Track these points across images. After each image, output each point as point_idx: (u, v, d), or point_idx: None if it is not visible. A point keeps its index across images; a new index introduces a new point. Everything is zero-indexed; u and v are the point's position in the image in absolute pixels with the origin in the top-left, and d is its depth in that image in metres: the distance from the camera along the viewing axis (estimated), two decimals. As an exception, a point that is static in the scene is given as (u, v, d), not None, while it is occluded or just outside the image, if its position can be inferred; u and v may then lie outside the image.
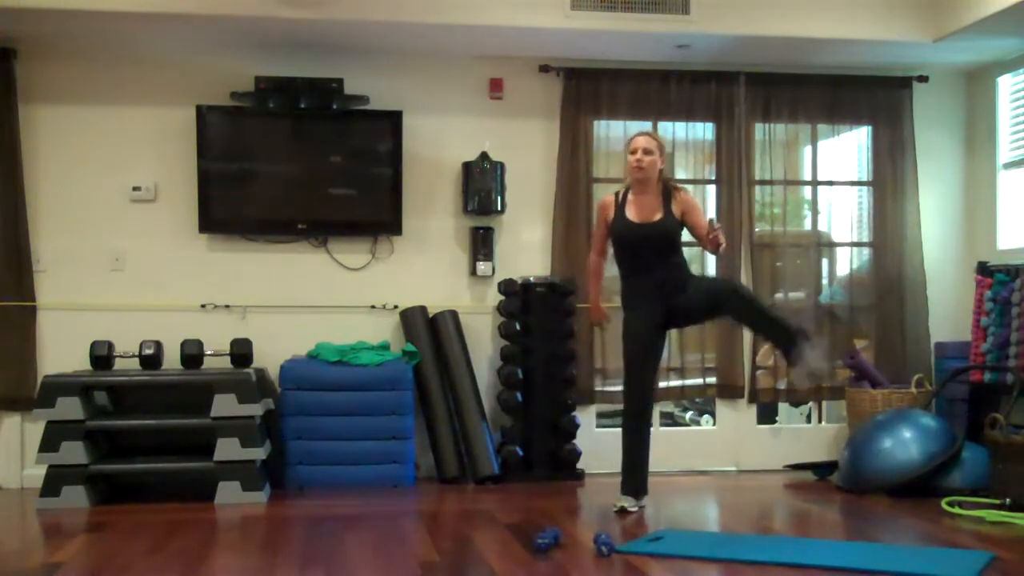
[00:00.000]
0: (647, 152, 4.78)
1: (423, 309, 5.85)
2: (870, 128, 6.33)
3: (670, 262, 4.81)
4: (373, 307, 5.90)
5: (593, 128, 6.06)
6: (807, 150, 6.46)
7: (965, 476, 5.21)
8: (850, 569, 3.72)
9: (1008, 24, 5.34)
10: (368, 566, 3.86)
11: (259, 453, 5.18)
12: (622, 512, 4.79)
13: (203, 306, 5.79)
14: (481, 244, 5.94)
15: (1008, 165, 6.11)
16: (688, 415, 6.98)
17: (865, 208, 6.40)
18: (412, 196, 5.88)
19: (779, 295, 6.26)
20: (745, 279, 6.16)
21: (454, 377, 5.77)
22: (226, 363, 5.55)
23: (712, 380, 6.17)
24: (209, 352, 5.51)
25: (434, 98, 5.97)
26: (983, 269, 5.81)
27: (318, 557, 4.00)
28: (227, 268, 5.82)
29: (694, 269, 5.24)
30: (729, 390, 6.19)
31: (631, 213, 4.83)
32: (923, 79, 6.29)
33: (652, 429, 5.03)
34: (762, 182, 6.22)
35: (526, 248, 6.03)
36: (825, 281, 6.40)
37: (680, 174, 6.18)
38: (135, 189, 5.75)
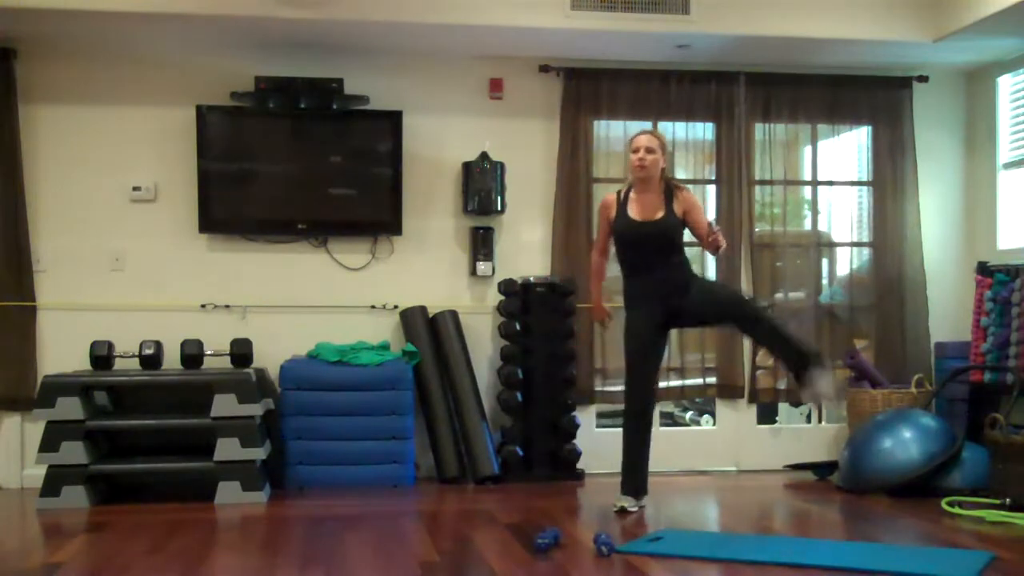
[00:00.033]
0: (649, 151, 4.79)
1: (423, 309, 5.85)
2: (870, 128, 6.33)
3: (672, 261, 4.81)
4: (373, 307, 5.90)
5: (593, 128, 6.06)
6: (807, 150, 6.46)
7: (965, 476, 5.21)
8: (850, 569, 3.72)
9: (1008, 24, 5.34)
10: (368, 566, 3.86)
11: (259, 453, 5.18)
12: (622, 512, 4.79)
13: (203, 306, 5.79)
14: (481, 244, 5.94)
15: (1008, 165, 6.11)
16: (688, 415, 6.98)
17: (865, 208, 6.40)
18: (412, 196, 5.88)
19: (779, 295, 6.26)
20: (745, 279, 6.17)
21: (454, 377, 5.77)
22: (226, 363, 5.55)
23: (712, 380, 6.17)
24: (209, 352, 5.51)
25: (434, 98, 5.97)
26: (983, 269, 5.81)
27: (318, 557, 4.00)
28: (227, 268, 5.82)
29: (695, 269, 5.23)
30: (729, 390, 6.19)
31: (633, 211, 4.83)
32: (923, 79, 6.29)
33: (652, 429, 5.03)
34: (762, 182, 6.22)
35: (526, 248, 6.03)
36: (825, 281, 6.40)
37: (680, 174, 6.18)
38: (135, 189, 5.75)
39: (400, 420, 5.52)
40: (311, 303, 5.84)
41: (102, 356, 5.35)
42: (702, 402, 6.77)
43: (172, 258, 5.78)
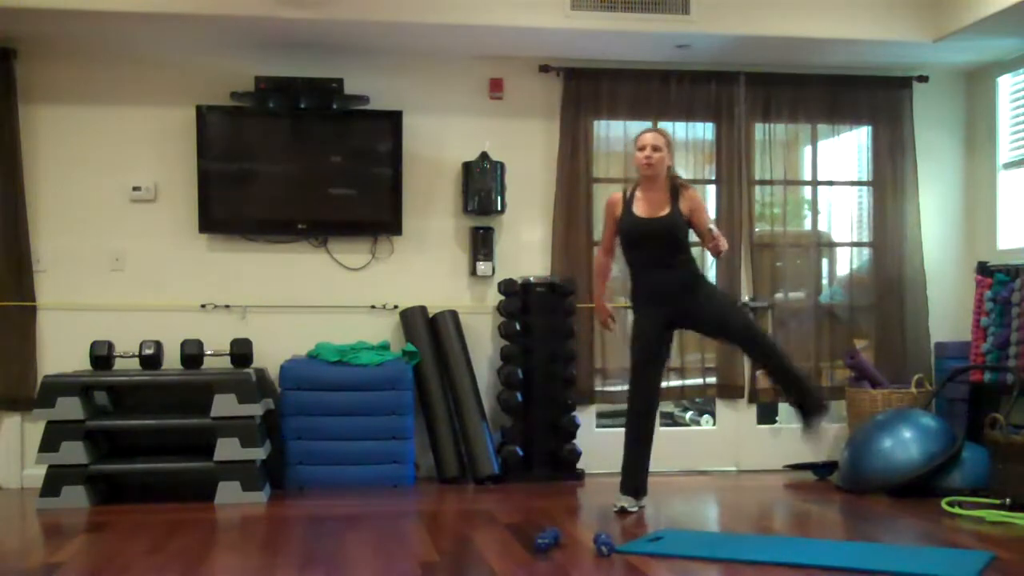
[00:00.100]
0: (656, 148, 4.79)
1: (423, 309, 5.85)
2: (870, 128, 6.33)
3: (677, 259, 4.81)
4: (373, 307, 5.90)
5: (593, 128, 6.06)
6: (807, 150, 6.46)
7: (965, 476, 5.21)
8: (850, 569, 3.72)
9: (1008, 24, 5.34)
10: (368, 566, 3.86)
11: (259, 453, 5.18)
12: (622, 512, 4.79)
13: (203, 306, 5.79)
14: (481, 244, 5.94)
15: (1008, 165, 6.11)
16: (688, 415, 6.98)
17: (865, 208, 6.40)
18: (412, 196, 5.88)
19: (779, 295, 6.26)
20: (745, 279, 6.17)
21: (454, 377, 5.77)
22: (226, 363, 5.55)
23: (712, 380, 6.17)
24: (209, 352, 5.51)
25: (434, 98, 5.97)
26: (983, 269, 5.81)
27: (318, 557, 4.00)
28: (227, 268, 5.82)
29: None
30: (729, 390, 6.19)
31: (639, 209, 4.83)
32: (923, 79, 6.29)
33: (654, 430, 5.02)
34: (762, 182, 6.22)
35: (526, 248, 6.04)
36: (825, 281, 6.40)
37: (680, 174, 6.15)
38: (135, 189, 5.75)
39: (400, 420, 5.52)
40: (311, 303, 5.84)
41: (102, 356, 5.35)
42: (702, 402, 6.77)
43: (172, 258, 5.79)
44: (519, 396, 5.74)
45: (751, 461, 6.18)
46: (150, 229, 5.77)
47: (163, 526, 4.55)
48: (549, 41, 5.70)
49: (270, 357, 5.66)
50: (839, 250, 6.44)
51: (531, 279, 5.84)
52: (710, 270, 6.13)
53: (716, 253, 4.74)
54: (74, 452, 5.03)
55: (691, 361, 6.20)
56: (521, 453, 5.70)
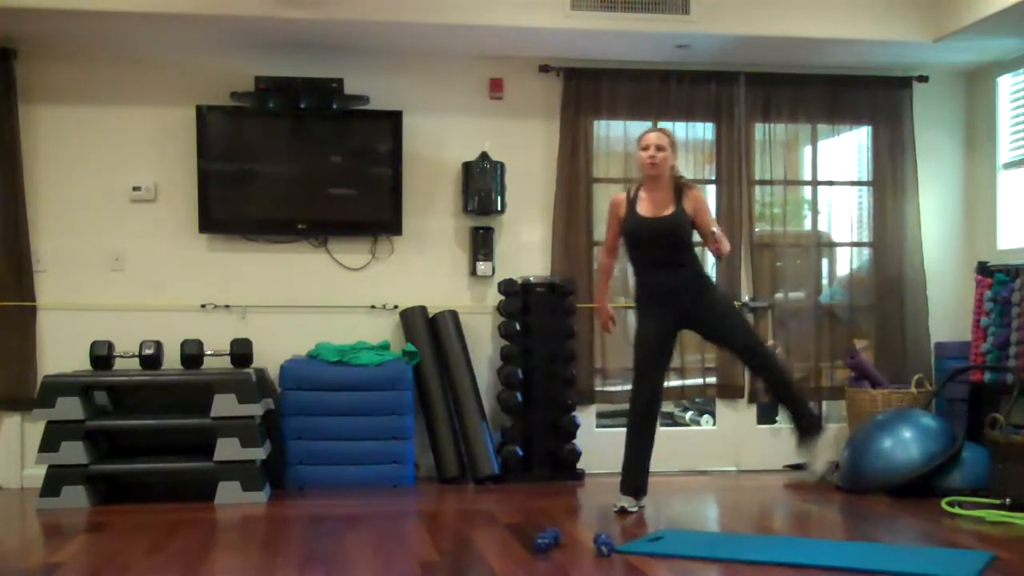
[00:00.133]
0: (659, 148, 4.79)
1: (423, 309, 5.85)
2: (870, 128, 6.33)
3: (681, 258, 4.80)
4: (373, 307, 5.90)
5: (593, 128, 6.06)
6: (807, 150, 6.46)
7: (965, 476, 5.20)
8: (850, 569, 3.72)
9: (1008, 24, 5.34)
10: (368, 566, 3.86)
11: (259, 453, 5.18)
12: (622, 512, 4.79)
13: (203, 306, 5.79)
14: (481, 244, 5.94)
15: (1008, 165, 6.11)
16: (688, 415, 6.98)
17: (865, 208, 6.40)
18: (412, 196, 5.88)
19: (779, 295, 6.26)
20: (745, 279, 6.17)
21: (454, 377, 5.77)
22: (226, 363, 5.55)
23: (712, 380, 6.18)
24: (209, 352, 5.51)
25: (434, 98, 5.97)
26: (983, 269, 5.81)
27: (318, 557, 4.00)
28: (227, 268, 5.82)
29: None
30: (729, 390, 6.19)
31: (643, 209, 4.83)
32: (923, 79, 6.29)
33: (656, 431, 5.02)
34: (762, 182, 6.22)
35: (526, 248, 6.04)
36: (825, 281, 6.40)
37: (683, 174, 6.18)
38: (135, 189, 5.75)
39: (400, 420, 5.52)
40: (311, 303, 5.84)
41: (102, 356, 5.35)
42: (702, 402, 6.76)
43: (172, 258, 5.79)
44: (519, 396, 5.74)
45: (751, 461, 6.18)
46: (150, 229, 5.77)
47: (163, 526, 4.55)
48: (549, 41, 5.70)
49: (270, 357, 5.66)
50: (839, 250, 6.44)
51: (531, 279, 5.84)
52: (711, 270, 6.12)
53: (718, 255, 4.77)
54: (74, 452, 5.03)
55: (691, 361, 6.20)
56: (521, 453, 5.70)
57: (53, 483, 5.03)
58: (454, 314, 5.86)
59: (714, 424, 6.39)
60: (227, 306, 5.81)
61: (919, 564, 3.78)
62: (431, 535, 4.43)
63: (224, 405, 5.15)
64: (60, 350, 5.62)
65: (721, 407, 6.25)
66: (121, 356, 5.46)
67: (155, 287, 5.77)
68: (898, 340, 6.22)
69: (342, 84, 5.70)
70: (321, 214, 5.82)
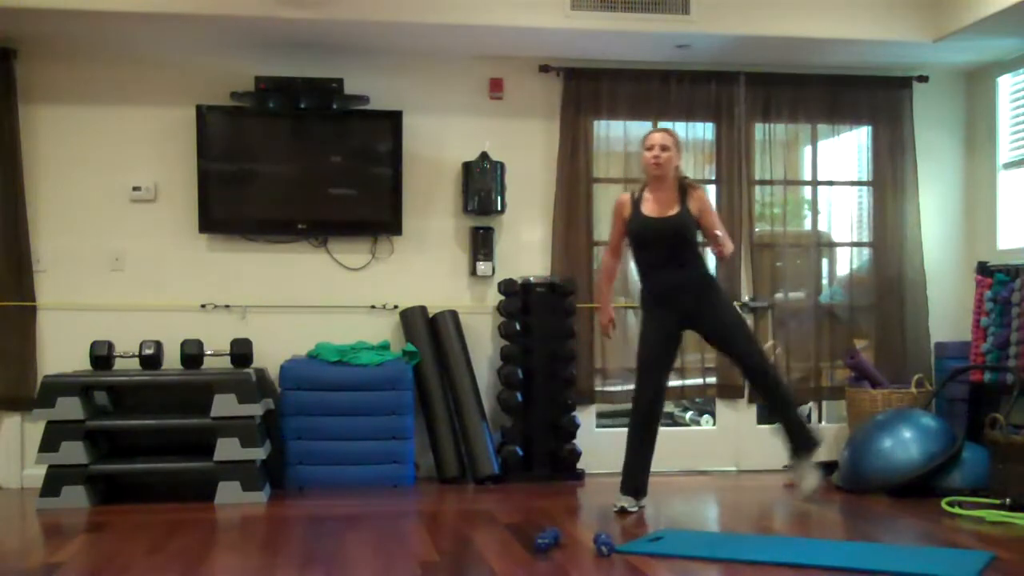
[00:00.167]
0: (664, 148, 4.78)
1: (423, 309, 5.85)
2: (870, 128, 6.33)
3: (686, 258, 4.80)
4: (373, 307, 5.90)
5: (593, 128, 6.06)
6: (807, 150, 6.46)
7: (965, 476, 5.21)
8: (850, 569, 3.72)
9: (1008, 24, 5.34)
10: (368, 566, 3.86)
11: (259, 453, 5.18)
12: (622, 512, 4.79)
13: (203, 306, 5.79)
14: (481, 244, 5.94)
15: (1008, 165, 6.11)
16: (688, 415, 6.98)
17: (865, 208, 6.40)
18: (412, 196, 5.88)
19: (779, 295, 6.26)
20: (745, 279, 6.17)
21: (454, 377, 5.77)
22: (226, 363, 5.55)
23: (712, 380, 6.17)
24: (209, 352, 5.51)
25: (434, 98, 5.97)
26: (983, 269, 5.81)
27: (318, 557, 4.00)
28: (227, 268, 5.82)
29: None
30: (729, 390, 6.19)
31: (647, 209, 4.83)
32: (923, 79, 6.29)
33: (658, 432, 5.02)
34: (762, 182, 6.22)
35: (526, 248, 6.04)
36: (825, 281, 6.40)
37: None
38: (135, 189, 5.75)
39: (400, 420, 5.52)
40: (311, 303, 5.84)
41: (102, 356, 5.35)
42: (702, 402, 6.76)
43: (172, 258, 5.79)
44: (519, 396, 5.74)
45: (751, 461, 6.18)
46: (150, 229, 5.77)
47: (163, 526, 4.55)
48: (549, 41, 5.70)
49: (270, 357, 5.66)
50: (839, 250, 6.44)
51: (531, 279, 5.84)
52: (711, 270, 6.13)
53: (720, 256, 4.78)
54: (74, 452, 5.03)
55: (691, 361, 6.19)
56: (521, 453, 5.70)
57: (53, 483, 5.03)
58: (454, 314, 5.86)
59: (714, 424, 6.39)
60: (227, 306, 5.81)
61: (919, 564, 3.78)
62: (431, 535, 4.44)
63: (224, 405, 5.15)
64: (60, 350, 5.62)
65: (721, 407, 6.25)
66: (121, 356, 5.46)
67: (155, 287, 5.77)
68: (898, 340, 6.22)
69: (342, 84, 5.70)
70: (321, 214, 5.82)
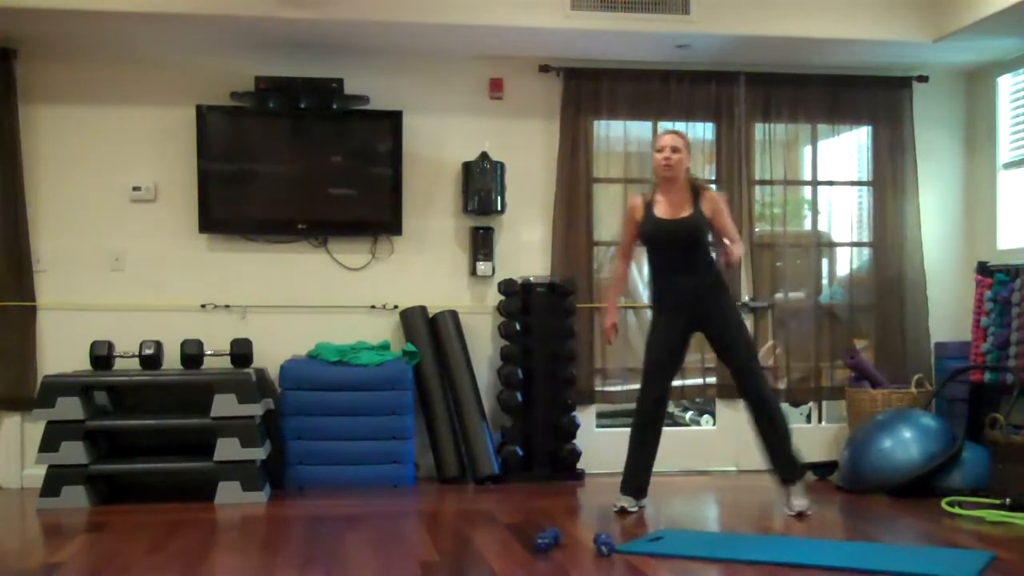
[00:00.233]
0: (675, 150, 4.78)
1: (423, 309, 5.85)
2: (870, 128, 6.33)
3: (699, 260, 4.78)
4: (373, 307, 5.90)
5: (593, 128, 6.06)
6: (807, 150, 6.46)
7: (965, 476, 5.20)
8: (850, 569, 3.72)
9: (1008, 24, 5.34)
10: (368, 566, 3.86)
11: (259, 453, 5.18)
12: (622, 512, 4.79)
13: (203, 306, 5.79)
14: (481, 244, 5.94)
15: (1008, 165, 6.11)
16: (688, 415, 6.98)
17: (865, 208, 6.40)
18: (412, 196, 5.88)
19: (779, 295, 6.26)
20: (745, 279, 6.16)
21: (454, 377, 5.77)
22: (226, 363, 5.55)
23: (712, 380, 6.17)
24: (209, 352, 5.51)
25: (434, 98, 5.97)
26: (983, 269, 5.81)
27: (318, 557, 4.00)
28: (227, 268, 5.82)
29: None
30: (729, 390, 6.13)
31: (660, 211, 4.81)
32: (923, 79, 6.29)
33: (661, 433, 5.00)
34: (762, 182, 6.22)
35: (526, 248, 6.04)
36: (825, 281, 6.40)
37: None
38: (135, 189, 5.75)
39: (400, 420, 5.52)
40: (311, 303, 5.84)
41: (102, 356, 5.35)
42: (702, 402, 6.77)
43: (172, 258, 5.79)
44: (519, 396, 5.74)
45: (751, 461, 6.14)
46: (150, 229, 5.77)
47: (163, 526, 4.55)
48: (549, 41, 5.70)
49: (270, 357, 5.66)
50: (839, 250, 6.44)
51: (531, 279, 5.84)
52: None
53: (727, 264, 4.77)
54: (74, 452, 5.03)
55: (691, 361, 6.16)
56: (521, 453, 5.70)
57: (53, 483, 5.03)
58: (454, 314, 5.86)
59: (714, 424, 6.39)
60: (227, 306, 5.81)
61: (919, 564, 3.78)
62: (431, 535, 4.43)
63: (224, 405, 5.15)
64: (60, 350, 5.62)
65: (721, 407, 6.25)
66: (121, 356, 5.46)
67: (155, 287, 5.77)
68: (898, 340, 6.22)
69: (342, 84, 5.70)
70: (321, 214, 5.82)
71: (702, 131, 6.23)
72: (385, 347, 5.73)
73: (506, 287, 5.83)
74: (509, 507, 5.00)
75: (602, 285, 6.09)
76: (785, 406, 6.38)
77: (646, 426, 4.88)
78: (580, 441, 5.79)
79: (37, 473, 5.20)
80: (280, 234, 5.82)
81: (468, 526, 4.66)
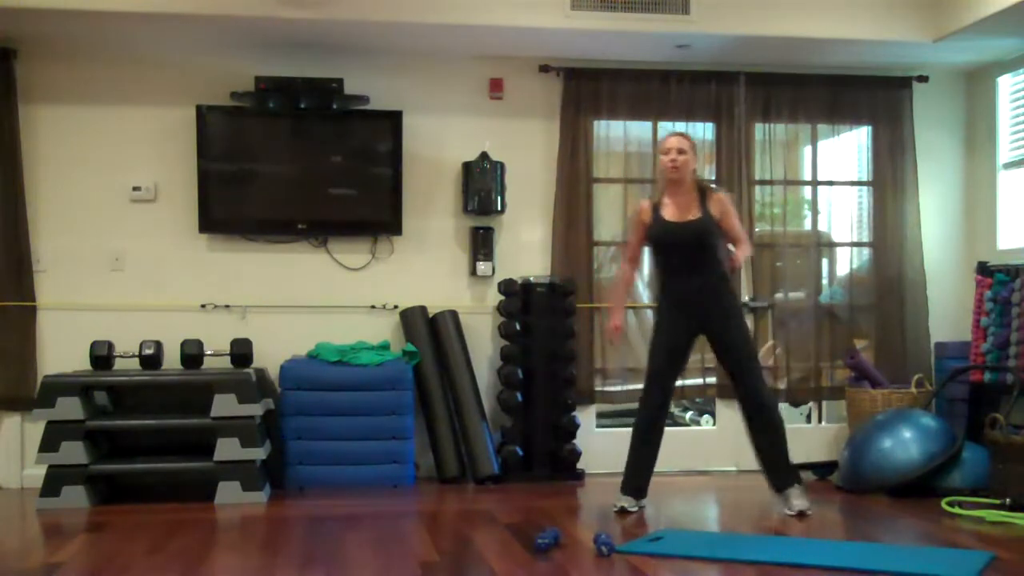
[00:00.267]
0: (681, 151, 4.77)
1: (423, 309, 5.85)
2: (870, 128, 6.33)
3: (707, 263, 4.77)
4: (373, 307, 5.90)
5: (593, 128, 6.06)
6: (807, 150, 6.46)
7: (965, 476, 5.20)
8: (850, 569, 3.72)
9: (1008, 24, 5.34)
10: (368, 566, 3.86)
11: (259, 453, 5.18)
12: (622, 512, 4.79)
13: (203, 306, 5.79)
14: (481, 244, 5.94)
15: (1008, 165, 6.11)
16: (688, 415, 6.98)
17: (865, 208, 6.40)
18: (412, 196, 5.88)
19: (779, 295, 6.26)
20: (745, 279, 6.16)
21: (454, 377, 5.77)
22: (226, 363, 5.55)
23: (712, 380, 6.17)
24: (209, 352, 5.51)
25: (434, 98, 5.97)
26: (983, 269, 5.81)
27: (318, 557, 4.00)
28: (227, 268, 5.82)
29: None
30: (729, 390, 6.11)
31: (668, 213, 4.81)
32: (923, 79, 6.29)
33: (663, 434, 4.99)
34: (762, 182, 6.23)
35: (526, 248, 6.03)
36: (825, 281, 6.39)
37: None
38: (135, 189, 5.75)
39: (400, 420, 5.52)
40: (311, 303, 5.84)
41: (102, 356, 5.35)
42: (702, 402, 6.77)
43: (172, 258, 5.79)
44: (519, 396, 5.74)
45: (751, 461, 6.11)
46: (150, 229, 5.77)
47: (163, 526, 4.55)
48: (549, 41, 5.70)
49: (270, 357, 5.66)
50: (839, 250, 6.44)
51: (531, 279, 5.84)
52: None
53: (731, 268, 4.78)
54: (74, 452, 5.03)
55: (691, 361, 6.11)
56: (521, 453, 5.70)
57: (53, 483, 5.03)
58: (454, 314, 5.86)
59: (714, 424, 6.39)
60: (227, 306, 5.81)
61: (919, 564, 3.78)
62: (431, 535, 4.44)
63: (224, 405, 5.15)
64: (60, 350, 5.62)
65: (721, 407, 6.24)
66: (121, 356, 5.46)
67: (155, 287, 5.77)
68: (898, 340, 6.22)
69: (342, 84, 5.70)
70: (321, 214, 5.82)
71: (702, 131, 6.23)
72: (385, 347, 5.73)
73: (506, 287, 5.83)
74: (509, 507, 5.00)
75: (602, 285, 6.10)
76: (785, 406, 6.43)
77: (648, 427, 4.88)
78: (580, 441, 5.79)
79: (37, 473, 5.20)
80: (280, 234, 5.82)
81: (468, 526, 4.66)
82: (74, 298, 5.71)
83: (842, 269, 6.44)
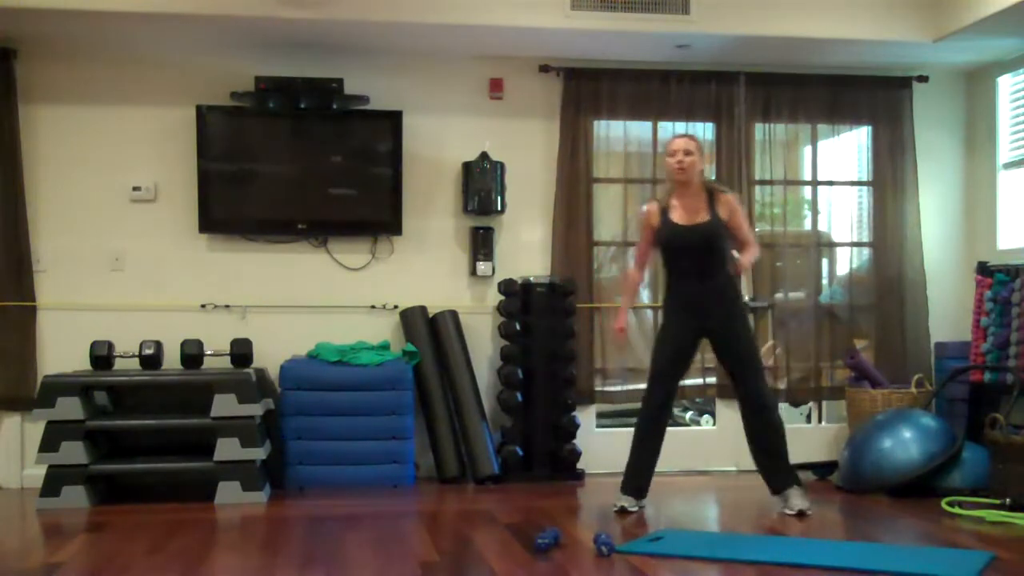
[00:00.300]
0: (687, 153, 4.77)
1: (423, 309, 5.85)
2: (870, 128, 6.33)
3: (716, 265, 4.77)
4: (373, 307, 5.90)
5: (593, 128, 6.06)
6: (807, 150, 6.46)
7: (965, 476, 5.20)
8: (850, 569, 3.72)
9: (1008, 24, 5.34)
10: (368, 566, 3.86)
11: (259, 453, 5.18)
12: (622, 512, 4.79)
13: (203, 306, 5.79)
14: (481, 244, 5.94)
15: (1008, 165, 6.11)
16: (688, 415, 6.98)
17: (865, 208, 6.40)
18: (412, 196, 5.88)
19: (779, 295, 6.26)
20: (745, 279, 6.15)
21: (454, 377, 5.77)
22: (226, 363, 5.55)
23: (712, 380, 6.16)
24: (209, 352, 5.51)
25: (434, 98, 5.97)
26: (983, 269, 5.81)
27: (318, 557, 4.00)
28: (227, 268, 5.82)
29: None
30: (729, 390, 6.12)
31: (676, 216, 4.80)
32: (923, 79, 6.29)
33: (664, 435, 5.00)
34: (762, 182, 6.23)
35: (526, 248, 6.03)
36: (825, 281, 6.40)
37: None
38: (135, 189, 5.75)
39: (400, 420, 5.52)
40: (311, 303, 5.84)
41: (102, 356, 5.35)
42: (702, 402, 6.76)
43: (172, 258, 5.79)
44: (519, 396, 5.74)
45: (751, 461, 6.16)
46: (150, 229, 5.77)
47: (163, 526, 4.55)
48: (549, 41, 5.70)
49: (270, 357, 5.66)
50: (839, 250, 6.44)
51: (531, 279, 5.84)
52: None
53: (737, 272, 4.80)
54: (74, 452, 5.03)
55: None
56: (521, 453, 5.70)
57: (53, 483, 5.03)
58: (454, 314, 5.86)
59: (714, 424, 6.39)
60: (227, 306, 5.81)
61: (919, 564, 3.78)
62: (431, 535, 4.44)
63: (224, 405, 5.15)
64: (60, 350, 5.62)
65: (721, 407, 6.24)
66: (121, 356, 5.46)
67: (155, 287, 5.77)
68: (898, 340, 6.22)
69: (342, 84, 5.70)
70: (321, 214, 5.82)
71: (702, 131, 6.21)
72: (385, 347, 5.73)
73: (506, 287, 5.83)
74: (509, 507, 5.00)
75: (602, 285, 6.11)
76: (785, 406, 6.43)
77: (650, 427, 4.88)
78: (580, 441, 5.79)
79: (37, 473, 5.20)
80: (280, 234, 5.82)
81: (468, 526, 4.66)
82: (74, 298, 5.71)
83: (842, 269, 6.44)
